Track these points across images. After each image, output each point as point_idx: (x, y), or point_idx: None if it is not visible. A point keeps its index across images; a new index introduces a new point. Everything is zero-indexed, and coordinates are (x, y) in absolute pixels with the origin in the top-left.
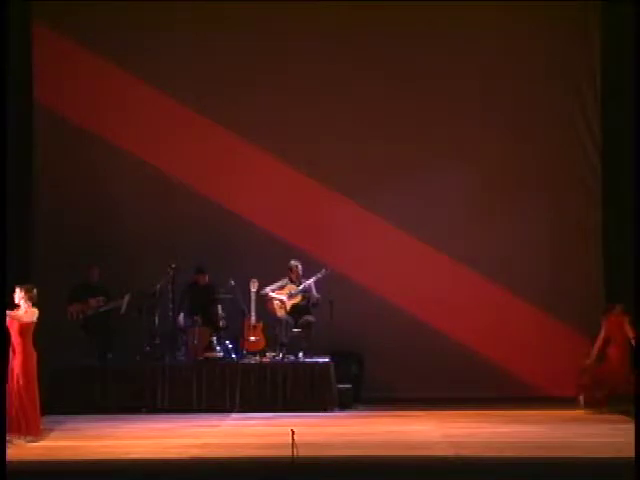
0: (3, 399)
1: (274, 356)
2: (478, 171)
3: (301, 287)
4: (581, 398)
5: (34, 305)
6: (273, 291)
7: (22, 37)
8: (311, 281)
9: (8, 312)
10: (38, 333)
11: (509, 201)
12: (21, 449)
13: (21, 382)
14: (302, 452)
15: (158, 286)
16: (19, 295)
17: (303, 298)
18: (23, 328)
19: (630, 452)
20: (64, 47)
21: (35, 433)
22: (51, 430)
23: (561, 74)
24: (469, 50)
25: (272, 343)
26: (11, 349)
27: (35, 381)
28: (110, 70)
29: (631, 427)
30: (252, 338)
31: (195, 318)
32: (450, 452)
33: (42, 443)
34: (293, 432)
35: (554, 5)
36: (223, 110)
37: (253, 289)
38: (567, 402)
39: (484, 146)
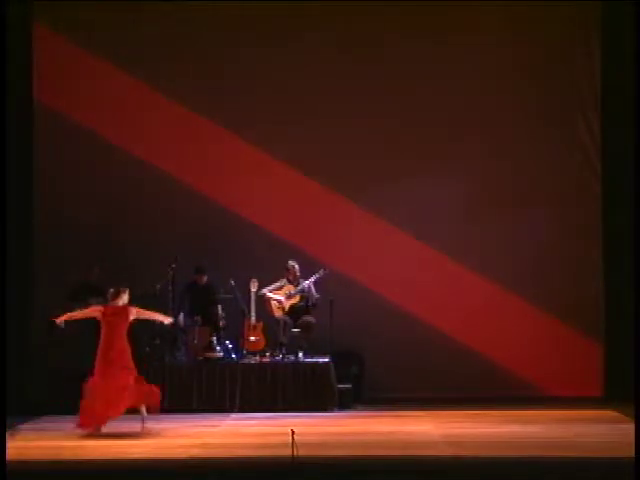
0: (3, 400)
1: (274, 356)
2: (478, 171)
3: (299, 287)
4: None
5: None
6: (271, 292)
7: (22, 37)
8: (309, 281)
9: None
10: (38, 333)
11: (509, 201)
12: (21, 449)
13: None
14: (302, 452)
15: (158, 286)
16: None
17: (301, 298)
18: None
19: (630, 452)
20: (64, 47)
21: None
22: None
23: (561, 74)
24: (469, 50)
25: (272, 343)
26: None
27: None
28: (110, 70)
29: (631, 427)
30: (252, 338)
31: (195, 318)
32: (450, 452)
33: (42, 443)
34: (293, 432)
35: (554, 5)
36: (223, 110)
37: (253, 289)
38: (567, 402)
39: (484, 146)
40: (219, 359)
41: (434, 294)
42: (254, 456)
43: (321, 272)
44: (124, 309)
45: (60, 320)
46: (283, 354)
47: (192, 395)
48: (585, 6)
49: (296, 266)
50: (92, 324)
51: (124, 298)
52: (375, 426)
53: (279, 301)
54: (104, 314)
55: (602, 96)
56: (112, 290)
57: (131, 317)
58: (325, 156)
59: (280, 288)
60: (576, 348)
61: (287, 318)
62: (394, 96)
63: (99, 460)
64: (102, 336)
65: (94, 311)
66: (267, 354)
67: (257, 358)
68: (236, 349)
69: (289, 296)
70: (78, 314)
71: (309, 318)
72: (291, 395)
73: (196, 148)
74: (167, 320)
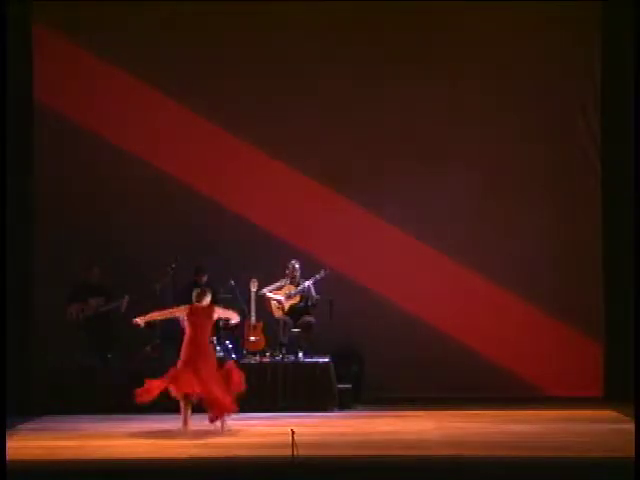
0: (3, 399)
1: (274, 356)
2: (478, 171)
3: (300, 288)
4: None
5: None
6: (271, 292)
7: (22, 37)
8: (310, 282)
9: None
10: (37, 333)
11: (509, 201)
12: (21, 449)
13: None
14: (302, 452)
15: (158, 286)
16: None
17: (301, 298)
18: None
19: (630, 452)
20: (64, 47)
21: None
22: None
23: (561, 74)
24: (469, 50)
25: (272, 343)
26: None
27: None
28: (110, 70)
29: (631, 427)
30: (252, 338)
31: None
32: (450, 452)
33: (42, 443)
34: (293, 432)
35: (554, 5)
36: (223, 110)
37: (253, 289)
38: (567, 402)
39: (484, 146)
40: (219, 359)
41: (434, 294)
42: (254, 456)
43: (322, 273)
44: (209, 309)
45: (140, 320)
46: (283, 354)
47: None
48: (585, 6)
49: (297, 265)
50: (92, 324)
51: (207, 299)
52: (375, 426)
53: (279, 301)
54: (190, 314)
55: (602, 96)
56: (198, 291)
57: (215, 316)
58: (325, 156)
59: (280, 288)
60: (576, 348)
61: (287, 318)
62: (394, 96)
63: (99, 460)
64: (187, 336)
65: (179, 311)
66: (267, 354)
67: (257, 358)
68: (236, 349)
69: (289, 296)
70: (161, 314)
71: (309, 318)
72: (291, 395)
73: (196, 148)
74: (236, 319)
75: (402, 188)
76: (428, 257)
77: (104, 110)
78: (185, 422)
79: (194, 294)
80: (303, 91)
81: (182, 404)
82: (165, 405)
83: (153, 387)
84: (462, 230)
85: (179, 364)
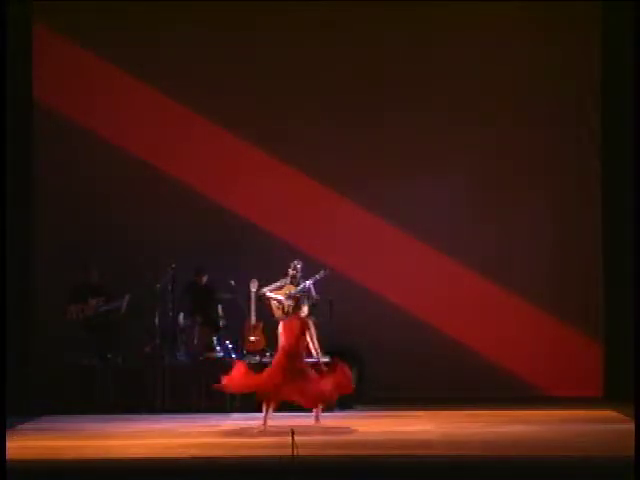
0: (3, 399)
1: (274, 356)
2: (478, 171)
3: (299, 288)
4: None
5: None
6: (271, 291)
7: (22, 37)
8: (310, 282)
9: None
10: (37, 333)
11: (509, 201)
12: (21, 449)
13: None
14: (302, 452)
15: (158, 286)
16: None
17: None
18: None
19: (630, 452)
20: (64, 47)
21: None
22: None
23: (561, 74)
24: (469, 50)
25: (272, 343)
26: None
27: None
28: (110, 70)
29: (631, 427)
30: (252, 338)
31: (195, 318)
32: (450, 452)
33: (42, 443)
34: (293, 432)
35: (554, 6)
36: (223, 110)
37: (253, 289)
38: (567, 402)
39: (484, 146)
40: (219, 359)
41: (434, 294)
42: (254, 456)
43: (322, 273)
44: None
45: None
46: None
47: (192, 395)
48: (585, 6)
49: (298, 266)
50: (92, 324)
51: (305, 309)
52: (375, 426)
53: (279, 301)
54: (286, 325)
55: (602, 96)
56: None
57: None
58: (325, 156)
59: (280, 288)
60: (576, 348)
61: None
62: (394, 96)
63: (99, 460)
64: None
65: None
66: (267, 354)
67: (257, 358)
68: (236, 349)
69: (289, 296)
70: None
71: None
72: None
73: (196, 148)
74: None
75: (402, 187)
76: (428, 257)
77: (104, 110)
78: (265, 421)
79: (287, 301)
80: (303, 91)
81: (269, 406)
82: (165, 405)
83: (241, 384)
84: (462, 230)
85: (275, 371)
